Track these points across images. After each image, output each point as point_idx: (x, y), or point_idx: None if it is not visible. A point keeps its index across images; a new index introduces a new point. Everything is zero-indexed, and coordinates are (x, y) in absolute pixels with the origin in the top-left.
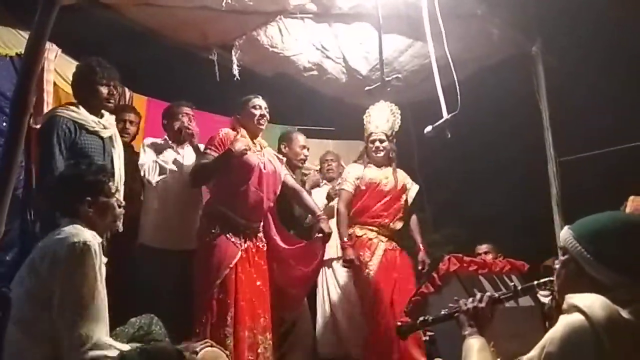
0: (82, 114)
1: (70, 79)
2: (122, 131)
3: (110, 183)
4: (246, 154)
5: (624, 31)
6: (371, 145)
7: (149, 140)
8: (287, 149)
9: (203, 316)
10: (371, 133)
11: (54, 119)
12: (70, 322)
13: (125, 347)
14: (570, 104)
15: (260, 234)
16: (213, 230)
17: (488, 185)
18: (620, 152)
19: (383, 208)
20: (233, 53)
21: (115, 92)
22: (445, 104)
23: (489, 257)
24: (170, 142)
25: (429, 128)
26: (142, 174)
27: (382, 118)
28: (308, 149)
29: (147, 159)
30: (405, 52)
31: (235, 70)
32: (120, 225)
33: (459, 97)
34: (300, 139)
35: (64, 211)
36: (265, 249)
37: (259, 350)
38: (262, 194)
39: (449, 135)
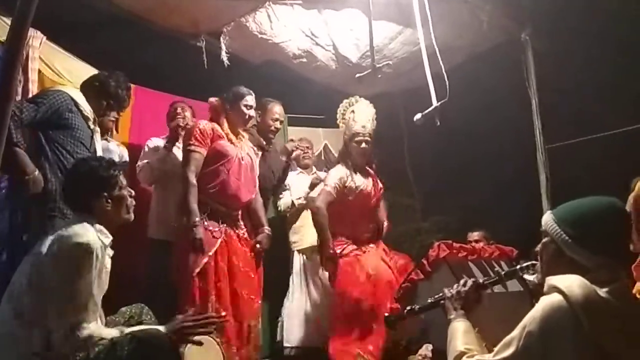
0: (82, 99)
1: (56, 66)
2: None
3: (121, 176)
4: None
5: (614, 18)
6: (355, 145)
7: (152, 142)
8: (260, 118)
9: (184, 306)
10: (357, 133)
11: (58, 92)
12: (63, 311)
13: (114, 332)
14: (559, 91)
15: (240, 222)
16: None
17: (477, 172)
18: (609, 139)
19: (365, 217)
20: (221, 40)
21: (118, 116)
22: (435, 91)
23: (481, 244)
24: (169, 140)
25: (418, 116)
26: (137, 172)
27: (366, 117)
28: (281, 122)
29: (142, 160)
30: (396, 39)
31: (224, 57)
32: (132, 215)
33: (447, 84)
34: (275, 110)
35: (77, 207)
36: (246, 236)
37: (252, 335)
38: (241, 184)
39: (439, 123)
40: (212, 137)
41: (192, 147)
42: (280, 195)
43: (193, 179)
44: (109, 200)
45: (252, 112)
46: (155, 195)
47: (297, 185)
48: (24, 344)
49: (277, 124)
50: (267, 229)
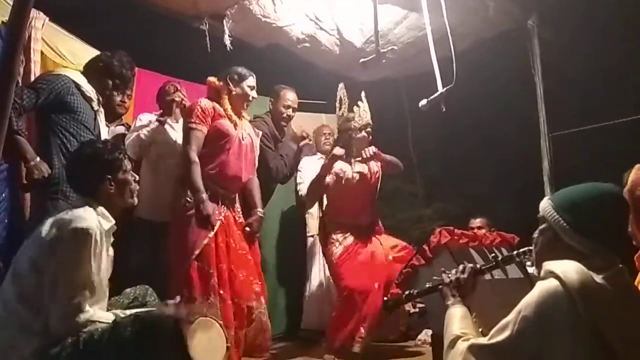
0: (83, 80)
1: (59, 48)
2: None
3: (126, 160)
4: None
5: (621, 5)
6: (366, 135)
7: (141, 116)
8: (271, 105)
9: (183, 288)
10: (369, 123)
11: (58, 76)
12: (60, 295)
13: (111, 316)
14: (565, 78)
15: (237, 205)
16: (189, 199)
17: (481, 159)
18: (613, 127)
19: (362, 203)
20: (224, 23)
21: (127, 100)
22: (440, 77)
23: (482, 231)
24: (162, 114)
25: (423, 101)
26: (125, 147)
27: (368, 109)
28: (294, 110)
29: (132, 133)
30: (401, 24)
31: (227, 41)
32: (136, 200)
33: (454, 70)
34: (288, 96)
35: (82, 190)
36: (241, 220)
37: (254, 316)
38: (242, 164)
39: (444, 109)
40: (214, 116)
41: (194, 125)
42: (301, 181)
43: (195, 157)
44: (112, 184)
45: (254, 93)
46: (144, 173)
47: (317, 170)
48: (28, 327)
49: (290, 111)
50: (259, 210)
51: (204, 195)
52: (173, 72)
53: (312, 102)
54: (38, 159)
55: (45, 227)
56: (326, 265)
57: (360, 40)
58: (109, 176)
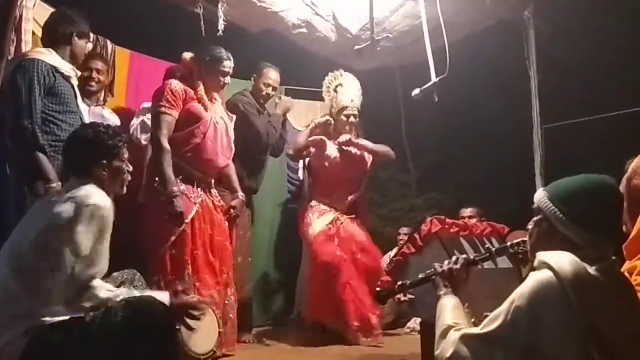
0: (57, 59)
1: None
2: (88, 80)
3: (125, 148)
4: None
5: None
6: (344, 119)
7: (145, 104)
8: (253, 82)
9: (157, 274)
10: (345, 107)
11: (33, 61)
12: (78, 268)
13: (119, 291)
14: (561, 70)
15: (214, 190)
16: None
17: (475, 150)
18: (607, 120)
19: (343, 186)
20: (219, 7)
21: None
22: (434, 66)
23: (473, 221)
24: None
25: (416, 91)
26: (131, 133)
27: (354, 92)
28: (274, 89)
29: (136, 119)
30: (397, 12)
31: (221, 26)
32: (125, 190)
33: (447, 60)
34: (270, 75)
35: (77, 171)
36: (221, 203)
37: (225, 308)
38: (217, 148)
39: (437, 99)
40: (185, 99)
41: (163, 109)
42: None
43: (166, 143)
44: (106, 170)
45: (227, 79)
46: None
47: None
48: (20, 308)
49: (269, 90)
50: (241, 194)
51: (176, 189)
52: (167, 55)
53: (307, 90)
54: (59, 183)
55: (57, 207)
56: None
57: (356, 27)
58: (104, 161)
